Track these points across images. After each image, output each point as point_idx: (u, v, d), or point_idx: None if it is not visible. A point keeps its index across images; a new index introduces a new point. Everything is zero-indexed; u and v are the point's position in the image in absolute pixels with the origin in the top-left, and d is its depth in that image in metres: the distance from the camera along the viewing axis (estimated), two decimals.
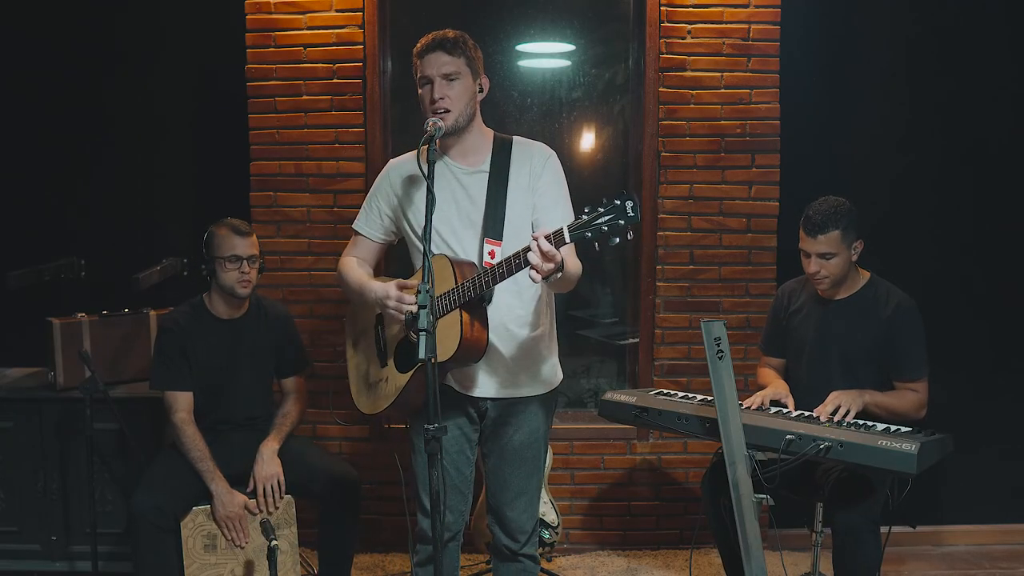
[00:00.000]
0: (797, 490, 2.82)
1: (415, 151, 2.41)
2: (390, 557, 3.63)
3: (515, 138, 2.47)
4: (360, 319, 2.60)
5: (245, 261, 2.93)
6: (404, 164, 2.53)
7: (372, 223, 2.56)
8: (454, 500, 2.49)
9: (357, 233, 2.59)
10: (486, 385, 2.43)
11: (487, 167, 2.42)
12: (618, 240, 2.01)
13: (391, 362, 2.46)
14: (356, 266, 2.55)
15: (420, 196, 2.42)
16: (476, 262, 2.37)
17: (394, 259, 3.46)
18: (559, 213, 2.40)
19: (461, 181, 2.41)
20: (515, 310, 2.41)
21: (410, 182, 2.47)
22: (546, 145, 2.49)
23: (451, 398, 2.44)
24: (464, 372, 2.42)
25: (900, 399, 2.80)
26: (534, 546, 2.57)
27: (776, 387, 2.94)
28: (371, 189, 2.58)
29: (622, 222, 2.00)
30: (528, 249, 2.08)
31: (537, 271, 2.06)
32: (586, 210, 2.05)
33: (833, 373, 2.89)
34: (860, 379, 2.86)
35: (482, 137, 2.45)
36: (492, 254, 2.34)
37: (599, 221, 2.01)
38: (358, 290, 2.48)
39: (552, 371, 2.54)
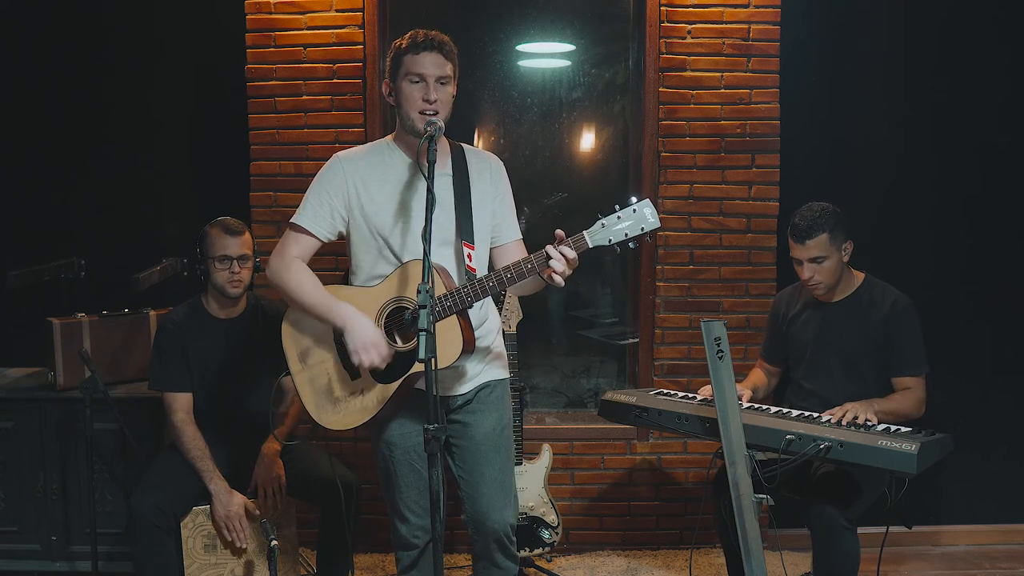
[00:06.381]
0: (797, 490, 2.82)
1: (366, 145, 2.50)
2: (390, 557, 3.62)
3: (463, 144, 2.50)
4: (309, 328, 2.44)
5: (235, 261, 2.93)
6: (359, 158, 2.41)
7: (321, 220, 2.38)
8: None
9: (301, 230, 2.40)
10: (460, 383, 2.43)
11: (449, 170, 2.42)
12: (635, 245, 2.18)
13: (366, 374, 2.35)
14: (309, 275, 2.39)
15: (386, 193, 2.37)
16: (446, 266, 2.35)
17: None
18: (513, 221, 2.53)
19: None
20: (472, 310, 2.37)
21: (370, 177, 2.39)
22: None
23: (419, 401, 2.28)
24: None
25: (903, 401, 2.80)
26: (514, 545, 2.52)
27: (743, 384, 2.98)
28: (317, 183, 2.40)
29: (643, 227, 2.16)
30: (546, 256, 2.18)
31: (560, 277, 2.18)
32: (601, 216, 2.18)
33: (836, 375, 2.90)
34: (863, 379, 2.86)
35: (444, 141, 2.44)
36: (470, 257, 2.35)
37: (618, 227, 2.17)
38: (320, 312, 2.34)
39: (505, 357, 2.58)
